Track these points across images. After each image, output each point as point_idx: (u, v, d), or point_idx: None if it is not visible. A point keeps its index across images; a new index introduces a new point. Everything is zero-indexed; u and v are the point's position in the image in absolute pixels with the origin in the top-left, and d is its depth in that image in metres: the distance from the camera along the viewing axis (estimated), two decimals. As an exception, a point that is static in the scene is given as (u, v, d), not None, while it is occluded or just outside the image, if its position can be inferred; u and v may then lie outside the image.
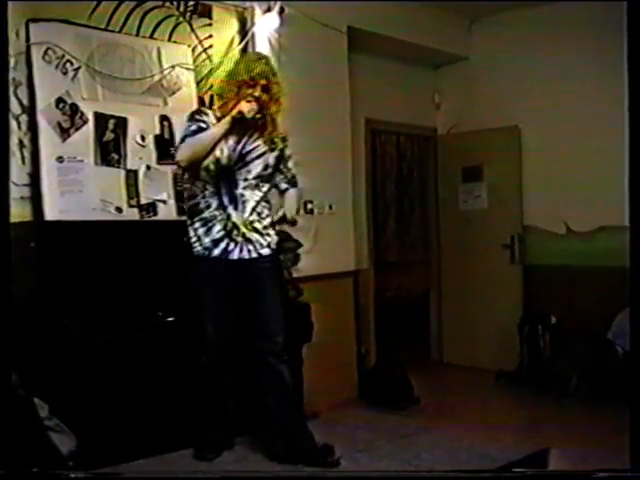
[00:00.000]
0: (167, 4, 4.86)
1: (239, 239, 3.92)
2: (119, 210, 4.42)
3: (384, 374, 5.86)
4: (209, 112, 4.03)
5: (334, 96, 5.86)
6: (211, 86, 4.99)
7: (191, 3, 4.99)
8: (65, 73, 4.31)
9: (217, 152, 3.87)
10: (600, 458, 3.75)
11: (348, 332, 5.95)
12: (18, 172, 4.13)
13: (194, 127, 3.89)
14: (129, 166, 4.52)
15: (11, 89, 4.10)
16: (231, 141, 3.92)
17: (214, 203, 3.92)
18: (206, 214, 3.93)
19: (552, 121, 6.61)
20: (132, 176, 4.52)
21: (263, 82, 3.85)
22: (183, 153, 3.87)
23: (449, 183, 7.37)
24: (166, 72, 4.76)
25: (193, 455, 4.08)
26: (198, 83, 4.97)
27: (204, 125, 3.89)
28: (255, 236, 3.96)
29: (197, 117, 3.96)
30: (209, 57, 5.08)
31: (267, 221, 4.03)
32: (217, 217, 3.91)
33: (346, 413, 4.91)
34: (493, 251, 6.93)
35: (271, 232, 4.04)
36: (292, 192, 4.19)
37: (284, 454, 3.98)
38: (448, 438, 4.38)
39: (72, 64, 4.33)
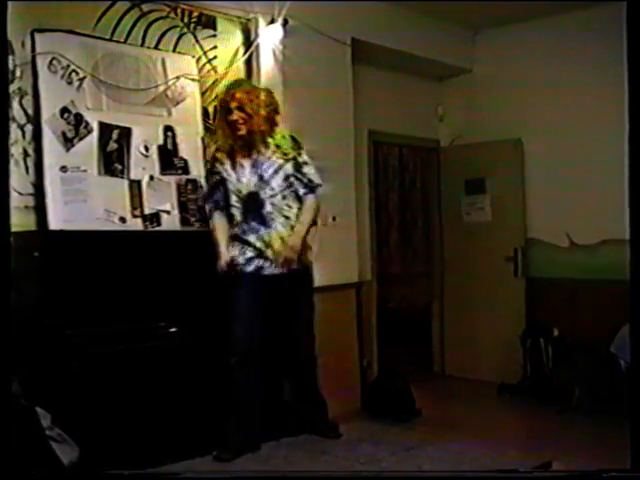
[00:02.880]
0: (171, 15, 4.87)
1: (271, 256, 4.18)
2: (123, 220, 4.42)
3: (386, 386, 5.85)
4: (218, 156, 4.34)
5: (337, 107, 5.87)
6: (216, 96, 5.02)
7: (195, 14, 5.01)
8: (70, 83, 4.33)
9: (237, 184, 4.21)
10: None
11: (350, 344, 5.94)
12: (22, 181, 4.13)
13: (211, 181, 4.40)
14: (132, 176, 4.53)
15: (16, 99, 4.12)
16: (247, 167, 4.21)
17: (245, 227, 4.21)
18: (241, 239, 4.23)
19: (555, 134, 6.62)
20: (135, 186, 4.53)
21: (234, 104, 4.15)
22: (212, 225, 4.40)
23: (452, 195, 7.38)
24: (171, 83, 4.77)
25: (213, 456, 4.13)
26: (203, 94, 4.98)
27: (216, 177, 4.33)
28: (286, 251, 4.20)
29: (211, 169, 4.41)
30: (214, 68, 5.10)
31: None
32: (249, 241, 4.20)
33: (348, 425, 4.88)
34: (496, 263, 6.92)
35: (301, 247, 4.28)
36: (309, 201, 4.38)
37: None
38: (451, 451, 4.36)
39: (77, 74, 4.34)
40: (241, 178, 4.21)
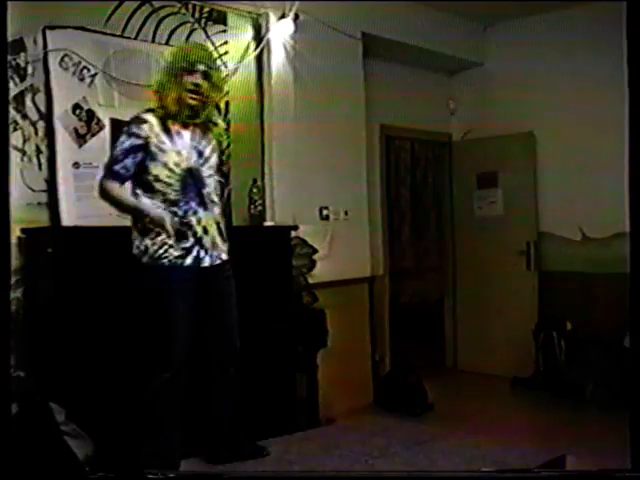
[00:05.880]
0: (182, 11, 4.87)
1: (208, 244, 3.55)
2: (135, 216, 4.44)
3: (399, 380, 5.86)
4: (149, 118, 3.50)
5: (349, 102, 5.87)
6: (227, 92, 5.03)
7: (206, 10, 5.01)
8: (82, 79, 4.34)
9: (175, 157, 3.47)
10: (617, 465, 3.72)
11: (363, 338, 5.95)
12: (35, 178, 4.15)
13: (127, 144, 3.45)
14: (145, 172, 4.54)
15: (29, 96, 4.14)
16: (186, 139, 3.54)
17: (180, 211, 3.48)
18: (178, 223, 3.47)
19: (567, 127, 6.59)
20: (148, 182, 4.54)
21: (202, 67, 3.50)
22: (102, 193, 3.49)
23: (464, 189, 7.37)
24: (182, 78, 4.77)
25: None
26: (214, 89, 4.98)
27: (138, 141, 3.45)
28: (218, 239, 3.61)
29: (132, 130, 3.49)
30: (224, 63, 5.09)
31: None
32: (187, 224, 3.49)
33: (361, 419, 4.89)
34: (508, 257, 6.91)
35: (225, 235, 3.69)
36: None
37: (225, 457, 3.78)
38: (464, 445, 4.34)
39: (89, 70, 4.36)
40: (180, 150, 3.49)
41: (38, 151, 4.18)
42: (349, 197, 5.85)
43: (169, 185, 3.46)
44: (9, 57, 3.97)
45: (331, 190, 5.65)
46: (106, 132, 4.40)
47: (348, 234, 5.77)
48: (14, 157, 3.99)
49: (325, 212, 5.65)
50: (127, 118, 4.40)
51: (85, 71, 4.35)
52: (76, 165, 4.25)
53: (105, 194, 3.49)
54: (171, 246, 3.44)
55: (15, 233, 3.86)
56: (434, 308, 7.76)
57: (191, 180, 3.50)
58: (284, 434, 4.34)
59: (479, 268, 7.18)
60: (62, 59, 4.26)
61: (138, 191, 3.50)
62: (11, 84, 4.01)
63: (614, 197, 6.08)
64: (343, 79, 5.80)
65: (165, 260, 3.45)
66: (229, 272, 3.68)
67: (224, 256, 3.63)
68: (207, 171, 3.57)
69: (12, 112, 4.02)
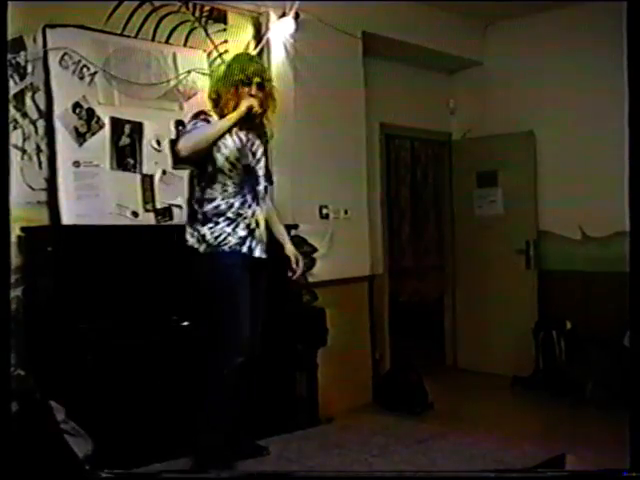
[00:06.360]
0: (182, 9, 4.87)
1: (258, 237, 3.79)
2: (135, 214, 4.45)
3: (399, 379, 5.86)
4: (213, 114, 3.79)
5: (349, 101, 5.87)
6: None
7: (206, 8, 5.01)
8: (82, 78, 4.34)
9: (236, 153, 3.71)
10: (616, 464, 3.72)
11: (363, 337, 5.95)
12: (35, 177, 4.15)
13: (200, 124, 3.68)
14: (145, 171, 4.55)
15: (29, 94, 4.14)
16: (242, 138, 3.77)
17: (237, 202, 3.72)
18: (230, 214, 3.70)
19: (567, 126, 6.59)
20: (148, 181, 4.55)
21: (257, 80, 3.77)
22: (187, 141, 3.62)
23: (464, 188, 7.36)
24: (182, 77, 4.78)
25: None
26: (214, 88, 4.98)
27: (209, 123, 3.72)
28: (265, 235, 3.86)
29: (203, 117, 3.74)
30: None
31: None
32: (242, 215, 3.72)
33: (360, 418, 4.89)
34: (508, 256, 6.91)
35: None
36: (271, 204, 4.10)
37: (226, 456, 3.80)
38: (464, 444, 4.35)
39: (89, 69, 4.36)
40: (240, 148, 3.74)
41: (38, 150, 4.19)
42: (349, 196, 5.85)
43: (230, 177, 3.71)
44: (9, 56, 3.98)
45: (331, 189, 5.65)
46: (106, 131, 4.41)
47: (348, 233, 5.77)
48: (14, 156, 4.00)
49: (325, 211, 5.64)
50: (127, 117, 4.50)
51: (85, 70, 4.35)
52: (76, 164, 4.26)
53: (190, 140, 3.61)
54: (229, 234, 3.68)
55: (15, 232, 3.87)
56: (434, 307, 7.77)
57: (248, 177, 3.78)
58: (284, 433, 4.35)
59: (479, 267, 7.18)
60: (62, 58, 4.26)
61: (202, 183, 3.74)
62: (11, 83, 4.02)
63: (614, 196, 6.09)
64: (343, 78, 5.80)
65: (225, 246, 3.68)
66: (267, 266, 3.90)
67: (265, 252, 3.85)
68: (260, 171, 3.85)
69: (12, 111, 4.03)
